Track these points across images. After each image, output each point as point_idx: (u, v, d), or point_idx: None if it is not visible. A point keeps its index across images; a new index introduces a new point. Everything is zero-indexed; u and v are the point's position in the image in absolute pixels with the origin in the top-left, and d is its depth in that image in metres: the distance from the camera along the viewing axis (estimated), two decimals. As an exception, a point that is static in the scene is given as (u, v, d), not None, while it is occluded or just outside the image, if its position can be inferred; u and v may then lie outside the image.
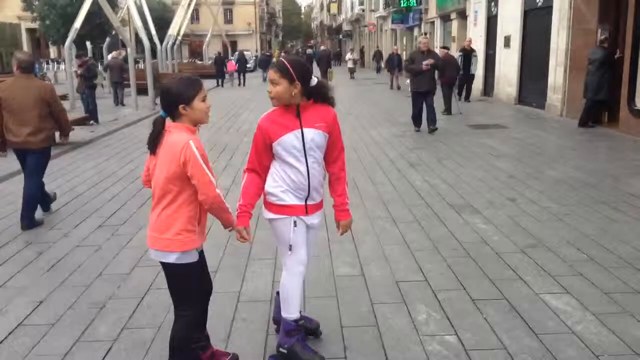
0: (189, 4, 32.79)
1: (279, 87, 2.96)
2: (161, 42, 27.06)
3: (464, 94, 18.04)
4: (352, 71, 31.45)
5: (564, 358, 3.29)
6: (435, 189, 7.19)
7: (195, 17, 51.51)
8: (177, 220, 2.74)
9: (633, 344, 3.43)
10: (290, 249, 3.15)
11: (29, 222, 5.85)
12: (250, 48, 54.93)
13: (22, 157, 6.02)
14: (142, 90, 18.40)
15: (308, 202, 3.15)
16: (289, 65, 2.96)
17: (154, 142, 2.77)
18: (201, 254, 2.97)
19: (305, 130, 3.03)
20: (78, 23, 17.41)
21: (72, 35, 17.22)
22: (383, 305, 3.99)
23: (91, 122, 14.09)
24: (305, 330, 3.42)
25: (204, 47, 42.12)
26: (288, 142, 3.01)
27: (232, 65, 29.13)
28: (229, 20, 64.48)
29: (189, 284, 2.86)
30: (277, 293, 3.41)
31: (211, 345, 3.15)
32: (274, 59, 44.49)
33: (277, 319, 3.44)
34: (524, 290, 4.19)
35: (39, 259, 4.99)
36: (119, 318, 3.85)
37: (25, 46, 40.87)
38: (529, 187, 7.18)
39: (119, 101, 18.82)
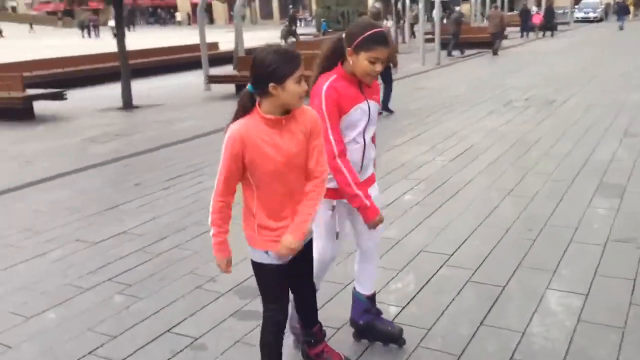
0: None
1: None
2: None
3: None
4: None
5: (477, 346, 3.05)
6: (608, 165, 6.21)
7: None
8: (243, 214, 2.50)
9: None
10: (337, 237, 2.87)
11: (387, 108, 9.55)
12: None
13: None
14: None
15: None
16: None
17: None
18: (294, 258, 2.52)
19: (370, 102, 2.81)
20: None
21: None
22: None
23: None
24: (388, 337, 3.14)
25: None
26: (358, 114, 2.76)
27: (537, 17, 28.31)
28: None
29: (261, 282, 2.58)
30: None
31: (324, 342, 2.93)
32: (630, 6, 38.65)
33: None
34: (537, 282, 3.74)
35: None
36: (198, 278, 4.06)
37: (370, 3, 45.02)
38: None
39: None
